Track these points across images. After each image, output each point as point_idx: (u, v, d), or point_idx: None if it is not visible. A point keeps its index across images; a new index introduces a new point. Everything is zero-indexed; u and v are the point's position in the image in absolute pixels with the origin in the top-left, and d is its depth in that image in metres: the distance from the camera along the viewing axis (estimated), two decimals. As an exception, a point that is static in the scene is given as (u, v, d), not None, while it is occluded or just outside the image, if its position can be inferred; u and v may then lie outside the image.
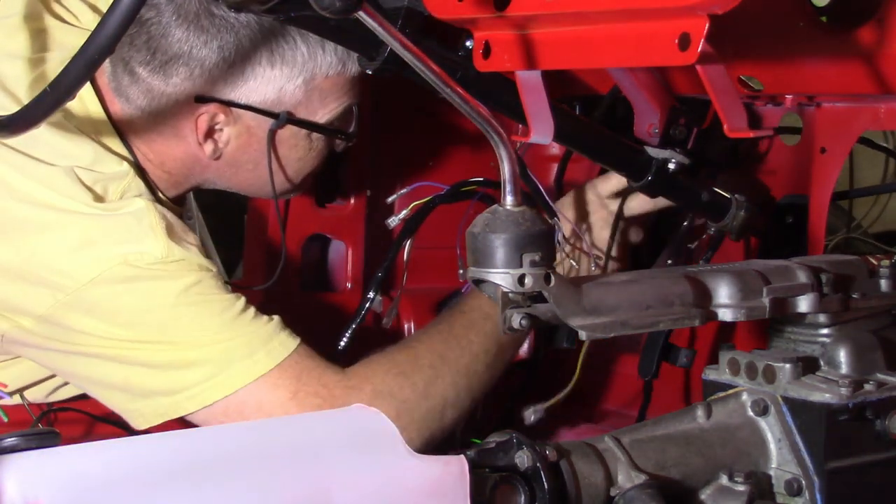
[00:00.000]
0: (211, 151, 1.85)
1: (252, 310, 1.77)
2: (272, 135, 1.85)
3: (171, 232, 1.74)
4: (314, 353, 1.81)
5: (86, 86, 1.81)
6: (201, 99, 1.80)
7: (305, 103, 1.85)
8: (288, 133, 1.87)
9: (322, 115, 1.88)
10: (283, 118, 1.83)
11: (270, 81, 1.82)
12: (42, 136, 1.74)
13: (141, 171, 1.84)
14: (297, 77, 1.83)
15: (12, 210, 1.73)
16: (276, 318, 1.78)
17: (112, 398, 1.80)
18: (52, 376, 1.91)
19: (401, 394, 1.80)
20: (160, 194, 1.89)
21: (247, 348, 1.73)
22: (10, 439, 1.07)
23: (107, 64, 1.84)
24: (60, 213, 1.72)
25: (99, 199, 1.74)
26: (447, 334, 1.86)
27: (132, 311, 1.72)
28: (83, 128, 1.81)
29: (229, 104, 1.81)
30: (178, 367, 1.73)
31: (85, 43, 1.32)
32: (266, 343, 1.75)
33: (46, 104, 1.42)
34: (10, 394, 1.92)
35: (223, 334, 1.73)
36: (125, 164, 1.81)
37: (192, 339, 1.72)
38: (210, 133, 1.83)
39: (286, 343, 1.76)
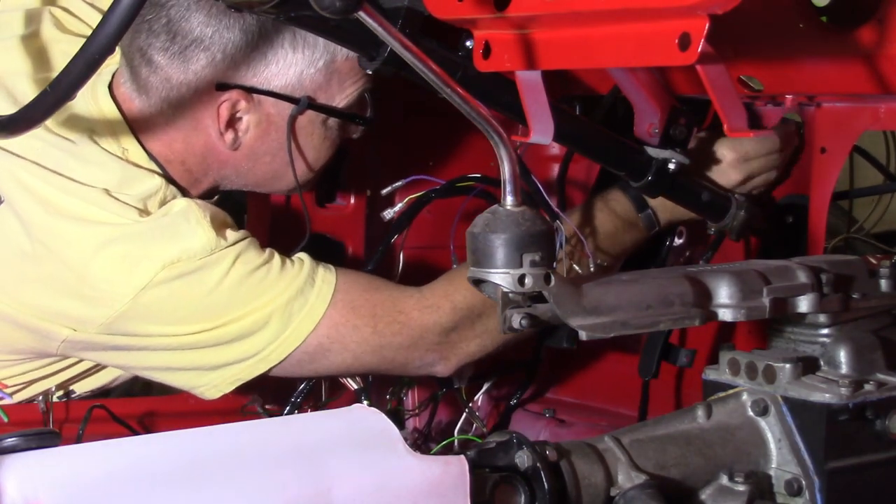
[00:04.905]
0: (231, 141, 1.84)
1: (286, 260, 1.80)
2: (293, 120, 1.84)
3: (214, 222, 1.76)
4: (381, 282, 1.85)
5: (104, 97, 1.82)
6: (223, 86, 1.79)
7: (325, 87, 1.85)
8: (306, 120, 1.86)
9: (340, 101, 1.87)
10: (304, 103, 1.83)
11: (292, 65, 1.81)
12: (68, 163, 1.75)
13: (168, 178, 1.84)
14: (319, 60, 1.82)
15: (59, 227, 1.73)
16: (305, 257, 1.82)
17: (180, 379, 1.83)
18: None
19: (481, 307, 1.82)
20: (189, 194, 1.88)
21: (301, 298, 1.77)
22: (10, 439, 1.07)
23: (124, 67, 1.83)
24: (111, 227, 1.72)
25: (144, 213, 1.75)
26: None
27: (189, 305, 1.74)
28: (111, 147, 1.81)
29: (251, 90, 1.80)
30: (243, 337, 1.77)
31: (86, 42, 1.32)
32: (312, 286, 1.78)
33: (47, 104, 1.41)
34: (9, 397, 1.92)
35: (275, 293, 1.76)
36: (156, 176, 1.80)
37: (250, 308, 1.76)
38: (231, 122, 1.83)
39: (327, 279, 1.80)
